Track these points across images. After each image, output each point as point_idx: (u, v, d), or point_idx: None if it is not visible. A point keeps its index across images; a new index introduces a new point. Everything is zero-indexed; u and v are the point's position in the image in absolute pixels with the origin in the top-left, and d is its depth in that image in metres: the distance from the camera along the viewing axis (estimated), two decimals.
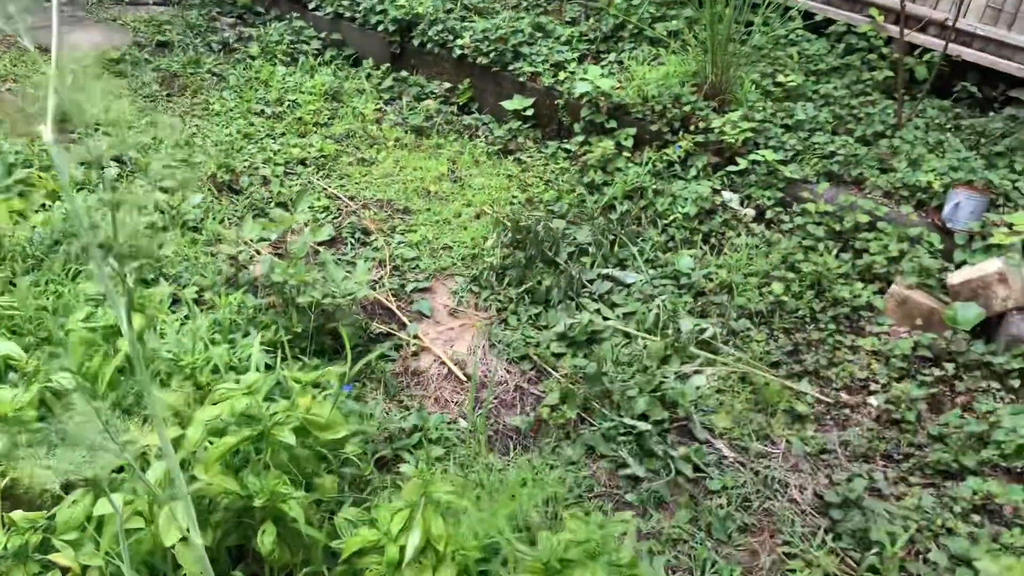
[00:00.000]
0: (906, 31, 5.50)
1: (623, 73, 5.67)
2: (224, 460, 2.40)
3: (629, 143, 5.29)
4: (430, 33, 6.15)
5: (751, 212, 4.83)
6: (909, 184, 4.70)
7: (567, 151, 5.43)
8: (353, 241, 4.51)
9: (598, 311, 4.12)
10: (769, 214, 4.75)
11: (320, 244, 4.45)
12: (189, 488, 2.38)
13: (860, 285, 4.28)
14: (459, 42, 6.03)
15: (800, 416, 3.60)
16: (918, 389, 3.66)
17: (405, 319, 3.94)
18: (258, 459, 2.45)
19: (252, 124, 5.51)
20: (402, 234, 4.59)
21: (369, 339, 3.78)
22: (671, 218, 4.78)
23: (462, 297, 4.18)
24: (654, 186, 4.96)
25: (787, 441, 3.47)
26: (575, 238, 4.53)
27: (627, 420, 3.38)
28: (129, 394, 2.67)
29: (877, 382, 3.78)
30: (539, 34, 6.08)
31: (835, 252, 4.44)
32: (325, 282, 3.41)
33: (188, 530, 2.03)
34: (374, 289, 4.11)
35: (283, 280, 3.32)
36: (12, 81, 5.45)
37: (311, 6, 6.73)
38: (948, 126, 5.21)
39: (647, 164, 5.13)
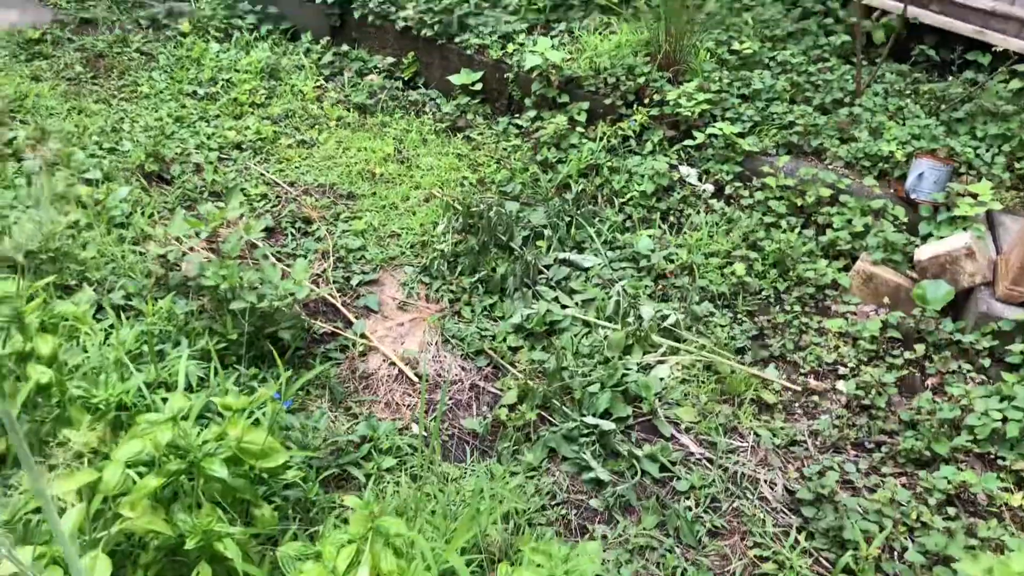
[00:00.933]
0: None
1: (574, 44, 5.44)
2: (152, 495, 2.18)
3: (582, 118, 5.07)
4: (371, 5, 5.84)
5: (710, 187, 4.65)
6: (871, 154, 4.56)
7: (519, 127, 5.20)
8: (293, 231, 4.25)
9: (556, 299, 3.93)
10: (728, 189, 4.58)
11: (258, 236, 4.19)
12: (113, 528, 2.16)
13: (824, 262, 4.14)
14: (402, 14, 5.73)
15: (768, 405, 3.46)
16: (888, 373, 3.54)
17: (351, 316, 3.71)
18: (190, 489, 2.24)
19: (184, 107, 5.19)
20: (346, 222, 4.34)
21: (312, 340, 3.55)
22: (628, 196, 4.59)
23: (412, 288, 3.96)
24: (610, 163, 4.76)
25: (755, 433, 3.32)
26: (529, 221, 4.32)
27: (589, 419, 3.21)
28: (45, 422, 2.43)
29: (845, 365, 3.65)
30: (486, 4, 5.81)
31: (797, 228, 4.29)
32: (261, 283, 3.16)
33: None
34: (317, 284, 3.88)
35: (214, 284, 3.07)
36: None
37: None
38: (907, 92, 5.07)
39: (601, 140, 4.92)
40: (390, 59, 5.84)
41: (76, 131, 4.69)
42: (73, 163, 4.33)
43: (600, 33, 5.56)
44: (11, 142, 4.36)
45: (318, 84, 5.63)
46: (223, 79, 5.46)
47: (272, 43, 6.00)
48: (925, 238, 4.12)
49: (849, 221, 4.22)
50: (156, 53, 5.74)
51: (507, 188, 4.63)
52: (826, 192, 4.34)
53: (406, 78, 5.78)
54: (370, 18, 5.86)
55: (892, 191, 4.41)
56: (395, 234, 4.29)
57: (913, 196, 4.27)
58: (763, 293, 4.02)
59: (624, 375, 3.47)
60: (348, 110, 5.39)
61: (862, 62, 5.17)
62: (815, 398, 3.52)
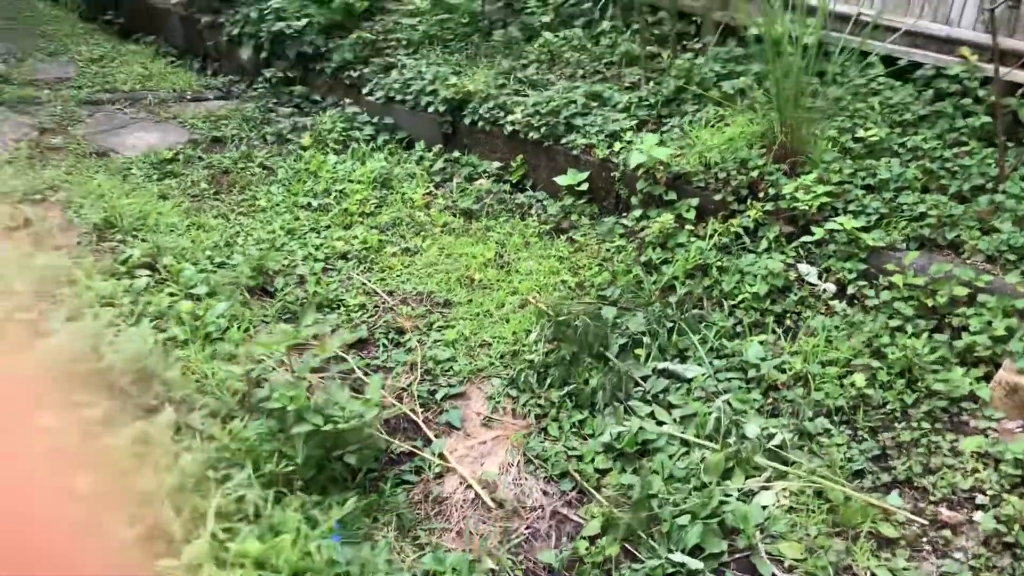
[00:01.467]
0: (1004, 68, 4.89)
1: (684, 139, 5.23)
2: None
3: (691, 215, 4.83)
4: (481, 111, 5.88)
5: (831, 287, 4.28)
6: (1016, 246, 4.07)
7: (624, 227, 5.00)
8: (386, 342, 4.19)
9: (652, 414, 3.64)
10: (851, 289, 4.19)
11: (351, 347, 4.15)
12: None
13: (960, 371, 3.67)
14: (510, 118, 5.73)
15: (889, 540, 3.02)
16: None
17: (431, 434, 3.57)
18: None
19: (297, 219, 5.32)
20: (439, 331, 4.24)
21: (390, 460, 3.41)
22: (739, 298, 4.28)
23: (498, 403, 3.78)
24: (719, 262, 4.47)
25: (873, 574, 2.89)
26: (627, 327, 4.08)
27: (676, 556, 2.89)
28: None
29: (985, 493, 3.16)
30: (594, 103, 5.72)
31: (928, 333, 3.84)
32: (331, 404, 3.08)
33: None
34: (400, 399, 3.76)
35: (281, 406, 3.01)
36: (54, 191, 5.43)
37: (365, 91, 6.58)
38: None
39: (711, 238, 4.65)
40: (498, 163, 5.83)
41: (191, 246, 4.87)
42: (181, 279, 4.47)
43: (713, 127, 5.33)
44: (126, 260, 4.56)
45: (428, 191, 5.66)
46: (336, 190, 5.59)
47: (388, 152, 6.13)
48: None
49: (989, 323, 3.75)
50: (276, 167, 5.96)
51: (607, 291, 4.42)
52: (962, 291, 3.89)
53: (514, 181, 5.73)
54: (480, 124, 5.89)
55: None
56: (486, 343, 4.15)
57: None
58: (887, 407, 3.59)
59: (722, 503, 3.13)
60: (455, 215, 5.37)
61: (1006, 143, 4.70)
62: (946, 532, 3.04)
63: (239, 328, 4.13)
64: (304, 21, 6.91)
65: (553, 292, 4.50)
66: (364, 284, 4.67)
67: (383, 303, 4.52)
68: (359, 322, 4.33)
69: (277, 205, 5.47)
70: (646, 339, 4.02)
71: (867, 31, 5.20)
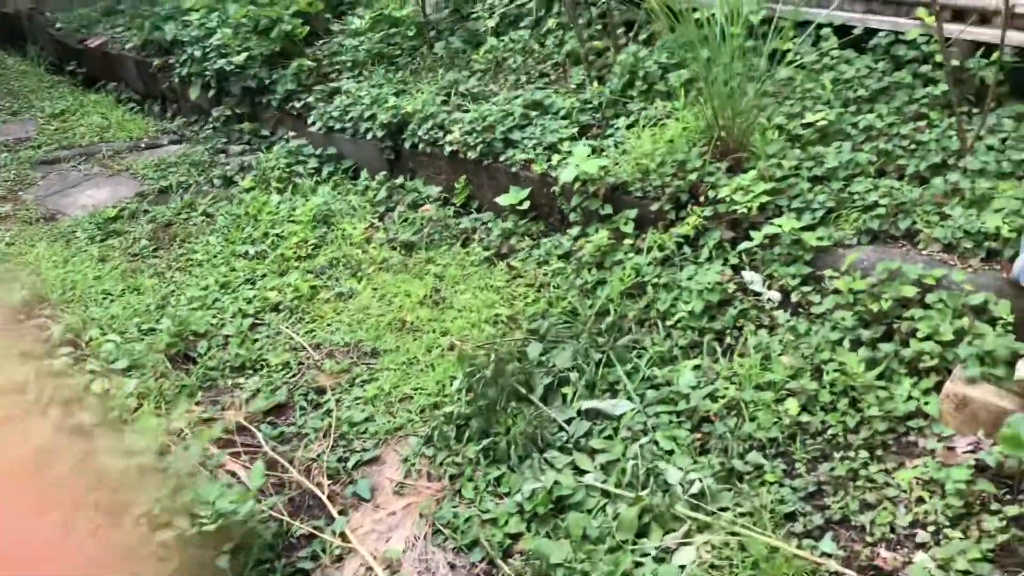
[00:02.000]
0: (958, 25, 4.49)
1: (624, 145, 4.91)
2: None
3: (629, 228, 4.52)
4: (420, 133, 5.62)
5: (776, 296, 3.95)
6: (972, 232, 3.71)
7: (562, 247, 4.71)
8: (304, 404, 3.98)
9: (572, 463, 3.38)
10: (795, 296, 3.87)
11: (269, 412, 3.96)
12: None
13: (908, 384, 3.33)
14: (448, 138, 5.47)
15: None
16: (977, 543, 2.70)
17: (335, 511, 3.34)
18: None
19: (233, 270, 5.14)
20: (361, 386, 4.02)
21: (289, 545, 3.21)
22: (676, 318, 3.98)
23: (413, 465, 3.55)
24: (657, 279, 4.17)
25: None
26: (554, 364, 3.82)
27: None
28: None
29: (926, 528, 2.84)
30: (534, 112, 5.42)
31: (873, 343, 3.50)
32: (198, 502, 2.88)
33: None
34: (309, 472, 3.56)
35: (147, 509, 2.82)
36: None
37: (310, 121, 6.38)
38: None
39: (649, 251, 4.34)
40: (442, 187, 5.57)
41: (121, 314, 4.72)
42: (101, 354, 4.32)
43: (657, 125, 5.00)
44: (48, 339, 4.43)
45: (370, 224, 5.44)
46: (275, 234, 5.39)
47: (332, 185, 5.92)
48: None
49: (938, 327, 3.39)
50: (218, 213, 5.79)
51: (537, 324, 4.15)
52: (911, 291, 3.54)
53: (459, 204, 5.47)
54: (420, 146, 5.64)
55: (1004, 278, 3.54)
56: (407, 397, 3.91)
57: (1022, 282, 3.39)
58: (828, 432, 3.27)
59: (636, 565, 2.87)
60: (395, 248, 5.14)
61: (968, 112, 4.31)
62: None
63: (153, 405, 3.96)
64: (244, 55, 6.72)
65: (485, 329, 4.25)
66: (292, 338, 4.47)
67: (308, 359, 4.31)
68: (280, 384, 4.13)
69: (214, 257, 5.30)
70: (573, 375, 3.75)
71: None
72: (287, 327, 4.57)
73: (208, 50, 6.97)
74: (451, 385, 3.88)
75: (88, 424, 3.78)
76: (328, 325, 4.55)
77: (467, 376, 3.83)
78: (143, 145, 7.18)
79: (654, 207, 4.50)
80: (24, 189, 6.59)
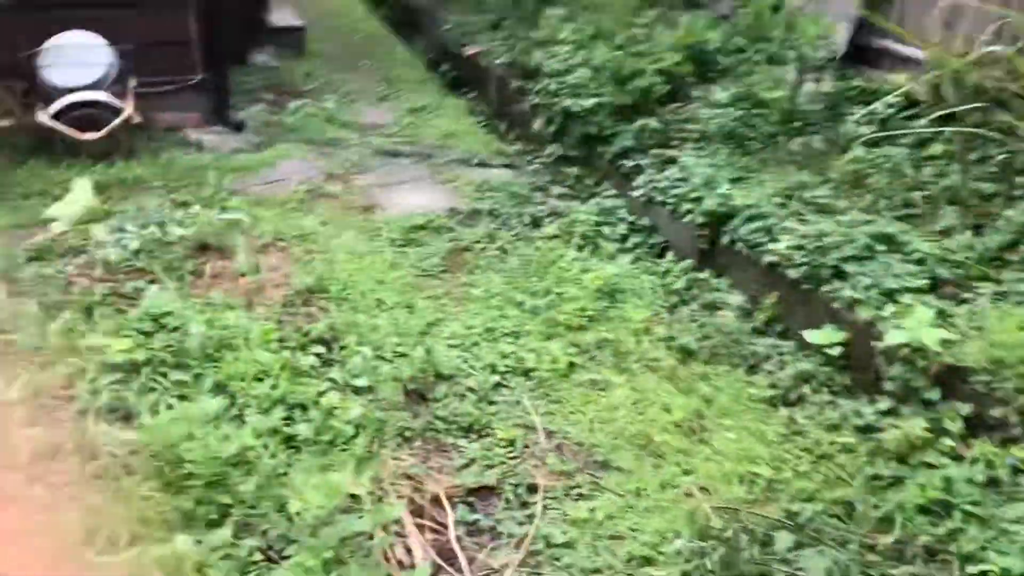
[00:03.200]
0: None
1: (976, 320, 3.97)
2: None
3: (957, 427, 3.62)
4: (741, 230, 5.01)
5: None
6: None
7: (863, 419, 3.89)
8: (512, 497, 3.57)
9: None
10: None
11: (473, 493, 3.60)
12: None
13: None
14: (771, 246, 4.81)
15: None
16: None
17: None
18: None
19: (504, 316, 4.87)
20: (575, 500, 3.54)
21: None
22: (982, 568, 3.06)
23: None
24: (971, 505, 3.26)
25: None
26: (801, 569, 3.07)
27: None
28: None
29: None
30: (881, 247, 4.59)
31: None
32: None
33: None
34: None
35: None
36: (300, 240, 5.53)
37: (635, 184, 5.99)
38: None
39: (973, 464, 3.43)
40: (747, 296, 4.92)
41: (384, 328, 4.61)
42: (348, 365, 4.23)
43: None
44: (307, 333, 4.44)
45: (655, 313, 4.92)
46: (556, 292, 5.05)
47: (633, 258, 5.47)
48: None
49: None
50: (513, 253, 5.57)
51: (797, 506, 3.40)
52: None
53: (762, 321, 4.78)
54: (738, 245, 5.03)
55: None
56: (619, 536, 3.35)
57: None
58: None
59: None
60: (671, 349, 4.58)
61: None
62: None
63: (367, 438, 3.76)
64: (592, 101, 6.48)
65: (734, 487, 3.58)
66: (528, 414, 4.08)
67: (535, 444, 3.90)
68: (497, 463, 3.76)
69: (491, 297, 5.06)
70: None
71: None
72: (529, 399, 4.20)
73: (563, 87, 6.83)
74: (671, 543, 3.27)
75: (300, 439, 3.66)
76: (571, 413, 4.12)
77: (692, 538, 3.20)
78: (475, 162, 7.19)
79: (996, 411, 3.56)
80: (359, 174, 6.84)
